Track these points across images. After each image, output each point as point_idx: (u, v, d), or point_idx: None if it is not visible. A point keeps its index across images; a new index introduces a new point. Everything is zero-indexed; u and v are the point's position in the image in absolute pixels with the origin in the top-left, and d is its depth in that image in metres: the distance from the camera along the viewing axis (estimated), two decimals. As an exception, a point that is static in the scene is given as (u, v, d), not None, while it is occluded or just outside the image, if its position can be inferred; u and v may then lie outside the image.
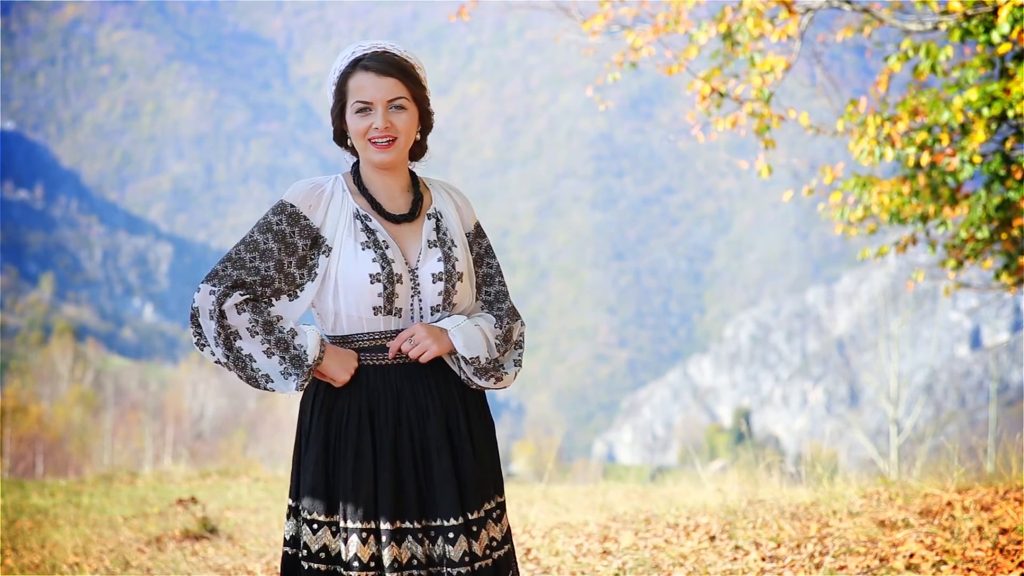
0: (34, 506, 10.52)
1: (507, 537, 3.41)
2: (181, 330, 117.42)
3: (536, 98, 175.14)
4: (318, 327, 3.37)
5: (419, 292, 3.34)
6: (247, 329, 3.23)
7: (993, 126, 8.23)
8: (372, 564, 3.22)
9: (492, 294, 3.49)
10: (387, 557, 3.21)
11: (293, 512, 3.33)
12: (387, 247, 3.30)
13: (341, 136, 3.41)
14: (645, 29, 8.70)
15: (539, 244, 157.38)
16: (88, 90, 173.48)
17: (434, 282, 3.34)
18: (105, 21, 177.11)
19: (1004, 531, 5.52)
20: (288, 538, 3.33)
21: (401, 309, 3.32)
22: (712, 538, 6.17)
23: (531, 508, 8.83)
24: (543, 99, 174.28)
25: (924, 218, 8.99)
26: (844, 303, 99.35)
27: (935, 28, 8.19)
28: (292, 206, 3.30)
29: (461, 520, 3.26)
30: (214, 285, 3.23)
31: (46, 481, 14.32)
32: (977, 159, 8.20)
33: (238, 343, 3.24)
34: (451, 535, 3.24)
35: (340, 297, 3.30)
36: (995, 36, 7.50)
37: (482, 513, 3.32)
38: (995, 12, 7.61)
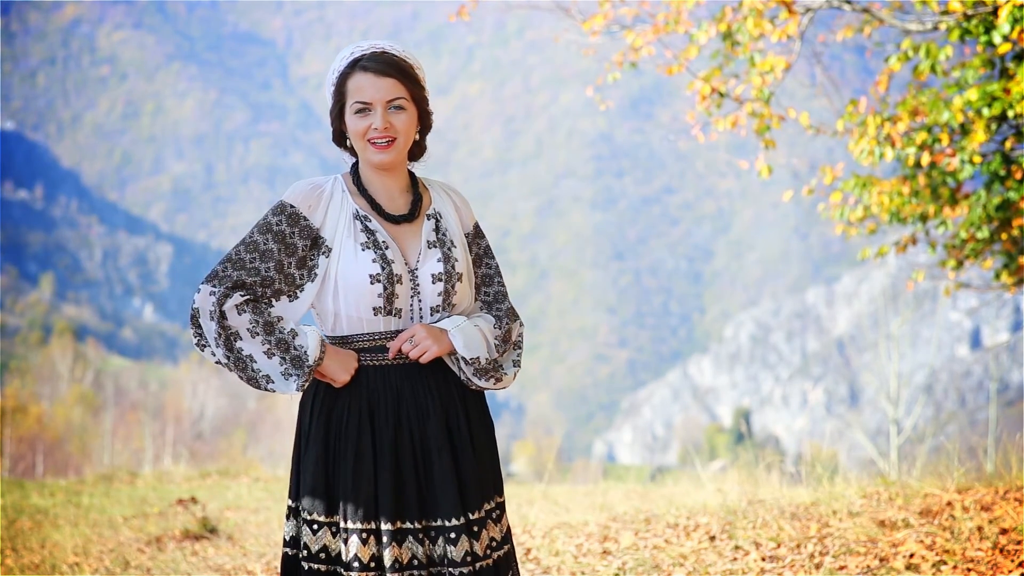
0: (34, 506, 10.52)
1: (507, 537, 3.41)
2: (181, 330, 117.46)
3: (536, 98, 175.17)
4: (318, 328, 3.37)
5: (419, 292, 3.34)
6: (248, 330, 3.23)
7: (993, 126, 8.23)
8: (372, 564, 3.22)
9: (491, 294, 3.49)
10: (388, 557, 3.21)
11: (293, 513, 3.33)
12: (387, 247, 3.30)
13: (340, 137, 3.41)
14: (645, 29, 8.70)
15: (539, 244, 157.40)
16: (88, 90, 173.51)
17: (434, 282, 3.34)
18: (105, 21, 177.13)
19: (1004, 531, 5.52)
20: (288, 539, 3.33)
21: (401, 310, 3.32)
22: (712, 538, 6.17)
23: (531, 508, 8.83)
24: (543, 99, 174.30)
25: (924, 218, 8.99)
26: (844, 303, 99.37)
27: (935, 28, 8.19)
28: (292, 207, 3.30)
29: (462, 520, 3.26)
30: (214, 286, 3.23)
31: (46, 481, 14.32)
32: (977, 159, 8.20)
33: (239, 344, 3.24)
34: (452, 535, 3.24)
35: (340, 298, 3.30)
36: (995, 36, 7.50)
37: (482, 513, 3.32)
38: (995, 12, 7.61)
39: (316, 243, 3.31)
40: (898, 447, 12.97)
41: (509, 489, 11.09)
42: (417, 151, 3.45)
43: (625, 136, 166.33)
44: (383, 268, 3.27)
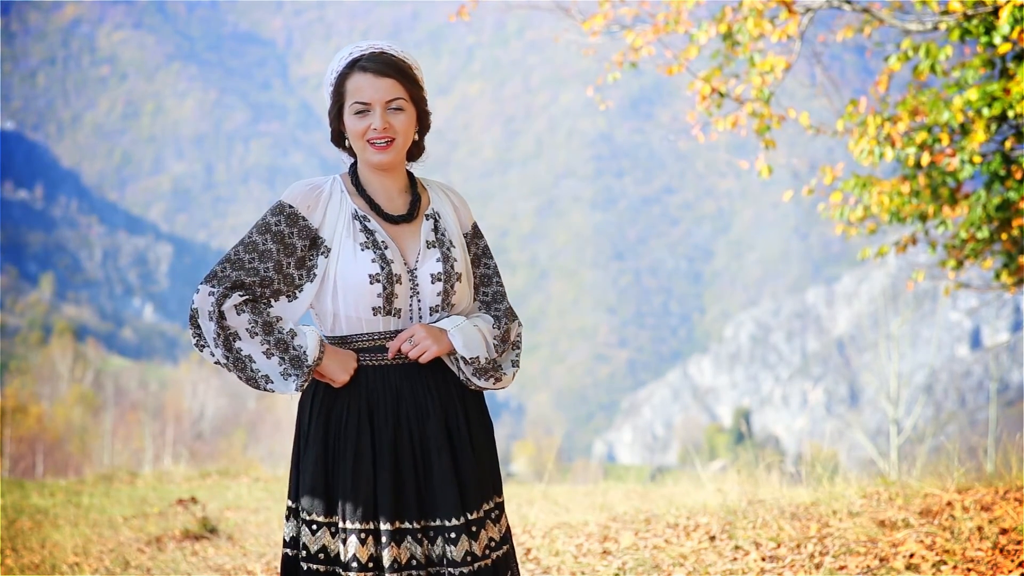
0: (34, 506, 10.52)
1: (506, 537, 3.41)
2: (181, 330, 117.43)
3: (536, 98, 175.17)
4: (317, 328, 3.37)
5: (418, 292, 3.34)
6: (246, 330, 3.23)
7: (993, 126, 8.23)
8: (371, 565, 3.22)
9: (490, 295, 3.49)
10: (387, 558, 3.21)
11: (292, 513, 3.33)
12: (386, 247, 3.30)
13: (339, 137, 3.41)
14: (645, 29, 8.70)
15: (539, 244, 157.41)
16: (88, 90, 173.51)
17: (433, 282, 3.34)
18: (105, 21, 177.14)
19: (1004, 531, 5.52)
20: (288, 539, 3.33)
21: (400, 310, 3.32)
22: (712, 538, 6.17)
23: (531, 508, 8.83)
24: (543, 99, 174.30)
25: (924, 218, 8.99)
26: (844, 303, 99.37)
27: (935, 28, 8.19)
28: (291, 207, 3.30)
29: (462, 520, 3.26)
30: (213, 286, 3.23)
31: (46, 481, 14.32)
32: (977, 159, 8.20)
33: (237, 344, 3.24)
34: (452, 535, 3.24)
35: (339, 298, 3.30)
36: (995, 36, 7.50)
37: (481, 513, 3.32)
38: (995, 12, 7.61)
39: (315, 243, 3.31)
40: (898, 447, 12.97)
41: (509, 489, 11.09)
42: (416, 151, 3.45)
43: (625, 136, 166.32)
44: (382, 268, 3.27)
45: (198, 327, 3.25)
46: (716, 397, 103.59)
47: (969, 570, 5.05)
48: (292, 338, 3.25)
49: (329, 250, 3.30)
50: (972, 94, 7.71)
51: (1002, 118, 8.11)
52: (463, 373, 3.35)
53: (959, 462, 6.78)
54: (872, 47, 9.10)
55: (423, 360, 3.30)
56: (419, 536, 3.25)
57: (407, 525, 3.25)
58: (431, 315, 3.36)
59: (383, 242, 3.31)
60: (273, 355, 3.24)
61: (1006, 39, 7.54)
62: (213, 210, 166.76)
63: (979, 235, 8.82)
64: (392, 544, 3.22)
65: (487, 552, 3.31)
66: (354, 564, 3.21)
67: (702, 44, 8.53)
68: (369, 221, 3.33)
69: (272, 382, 3.26)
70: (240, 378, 3.26)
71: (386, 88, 3.29)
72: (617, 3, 8.81)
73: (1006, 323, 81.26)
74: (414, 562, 3.24)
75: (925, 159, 8.27)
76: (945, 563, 5.15)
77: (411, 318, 3.35)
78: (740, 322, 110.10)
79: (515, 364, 3.48)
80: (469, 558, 3.25)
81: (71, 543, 7.98)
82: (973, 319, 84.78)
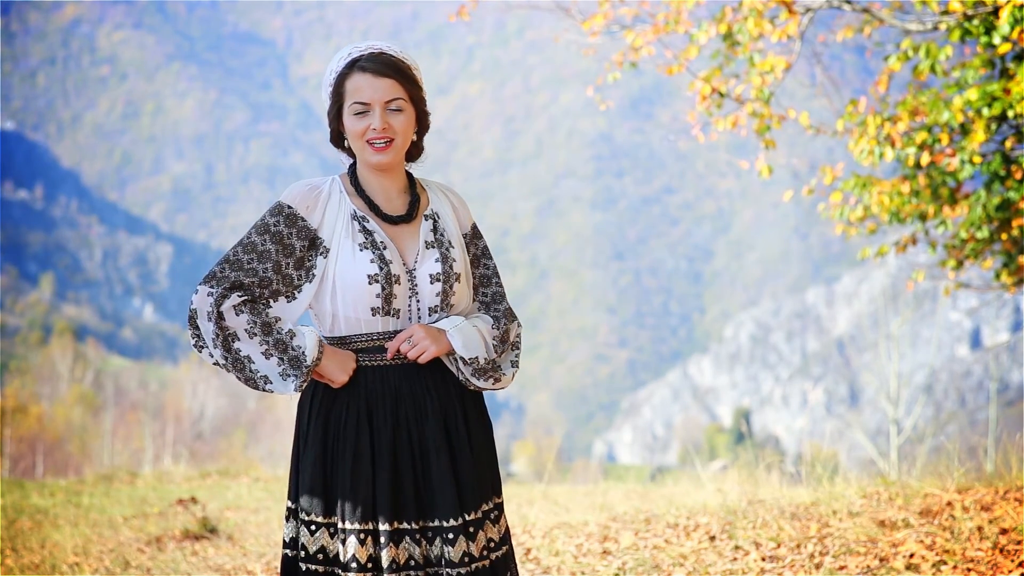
0: (34, 506, 10.52)
1: (505, 538, 3.41)
2: (181, 330, 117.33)
3: (536, 98, 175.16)
4: (316, 328, 3.37)
5: (417, 293, 3.34)
6: (245, 330, 3.23)
7: (993, 126, 8.23)
8: (370, 565, 3.22)
9: (489, 295, 3.49)
10: (385, 558, 3.21)
11: (292, 514, 3.33)
12: (385, 248, 3.30)
13: (338, 137, 3.41)
14: (645, 29, 8.70)
15: (539, 244, 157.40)
16: (88, 90, 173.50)
17: (432, 283, 3.34)
18: (105, 21, 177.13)
19: (1004, 531, 5.52)
20: (287, 540, 3.33)
21: (399, 310, 3.32)
22: (712, 538, 6.17)
23: (531, 508, 8.83)
24: (543, 99, 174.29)
25: (924, 218, 8.99)
26: (844, 303, 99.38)
27: (935, 28, 8.19)
28: (289, 207, 3.30)
29: (460, 521, 3.26)
30: (212, 287, 3.23)
31: (46, 481, 14.32)
32: (977, 159, 8.20)
33: (236, 344, 3.24)
34: (450, 536, 3.24)
35: (338, 298, 3.30)
36: (995, 36, 7.50)
37: (480, 514, 3.31)
38: (995, 12, 7.61)
39: (314, 244, 3.31)
40: (898, 447, 12.97)
41: (509, 489, 11.09)
42: (415, 152, 3.45)
43: (625, 136, 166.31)
44: (381, 268, 3.27)
45: (197, 328, 3.25)
46: (716, 397, 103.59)
47: (969, 570, 5.05)
48: (291, 338, 3.25)
49: (328, 250, 3.30)
50: (972, 94, 7.71)
51: (1002, 118, 8.11)
52: (462, 373, 3.35)
53: (959, 462, 6.78)
54: (872, 47, 9.10)
55: (422, 360, 3.30)
56: (417, 536, 3.25)
57: (406, 525, 3.25)
58: (430, 315, 3.36)
59: (382, 242, 3.30)
60: (272, 356, 3.24)
61: (1006, 39, 7.53)
62: (213, 210, 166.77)
63: (979, 235, 8.82)
64: (391, 544, 3.22)
65: (485, 553, 3.31)
66: (353, 564, 3.21)
67: (702, 44, 8.53)
68: (368, 221, 3.32)
69: (271, 382, 3.26)
70: (239, 379, 3.26)
71: (385, 88, 3.29)
72: (617, 3, 8.80)
73: (1006, 323, 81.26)
74: (412, 562, 3.24)
75: (925, 159, 8.27)
76: (945, 563, 5.15)
77: (410, 318, 3.34)
78: (740, 322, 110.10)
79: (514, 364, 3.48)
80: (467, 559, 3.24)
81: (71, 543, 7.98)
82: (973, 319, 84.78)
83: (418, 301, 3.34)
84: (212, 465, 16.97)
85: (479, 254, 3.50)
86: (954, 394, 77.30)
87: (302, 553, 3.27)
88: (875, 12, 8.57)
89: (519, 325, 3.52)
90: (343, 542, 3.23)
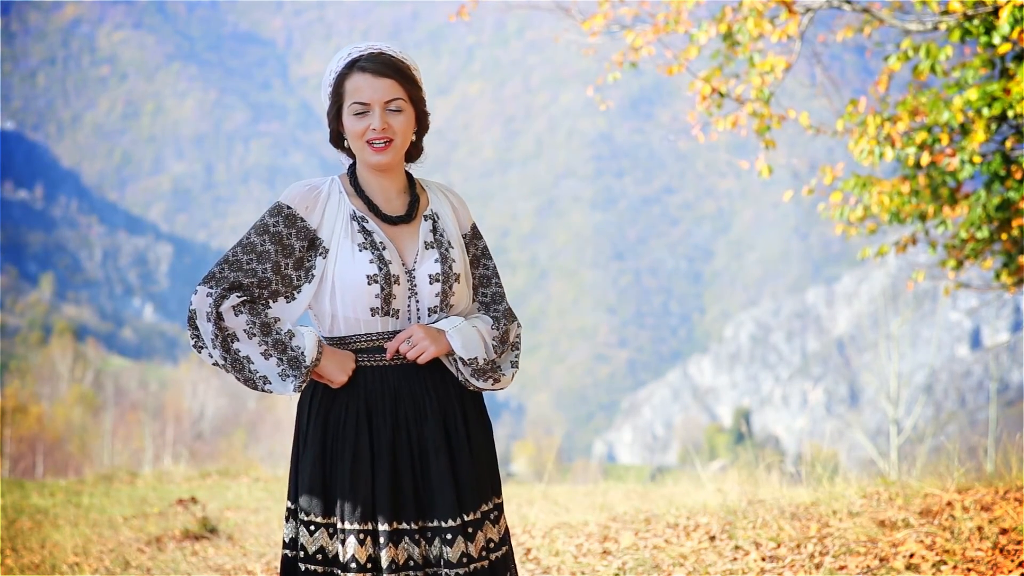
0: (34, 506, 10.52)
1: (505, 539, 3.41)
2: (181, 330, 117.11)
3: (536, 98, 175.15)
4: (315, 329, 3.37)
5: (416, 293, 3.34)
6: (244, 331, 3.23)
7: (993, 126, 8.23)
8: (369, 565, 3.22)
9: (489, 295, 3.49)
10: (385, 558, 3.21)
11: (292, 514, 3.33)
12: (384, 248, 3.30)
13: (338, 138, 3.41)
14: (645, 29, 8.70)
15: (539, 244, 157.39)
16: (88, 90, 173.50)
17: (431, 283, 3.34)
18: (105, 21, 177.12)
19: (1004, 531, 5.52)
20: (287, 540, 3.33)
21: (398, 310, 3.32)
22: (712, 538, 6.17)
23: (531, 508, 8.83)
24: (543, 99, 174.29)
25: (924, 218, 8.99)
26: (844, 303, 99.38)
27: (935, 28, 8.19)
28: (289, 208, 3.30)
29: (458, 521, 3.25)
30: (211, 287, 3.23)
31: (46, 481, 14.32)
32: (977, 159, 8.20)
33: (235, 345, 3.24)
34: (448, 536, 3.24)
35: (337, 298, 3.30)
36: (995, 36, 7.50)
37: (479, 514, 3.31)
38: (995, 12, 7.61)
39: (313, 244, 3.31)
40: (898, 447, 12.97)
41: (509, 489, 11.09)
42: (414, 152, 3.45)
43: (625, 136, 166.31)
44: (380, 269, 3.27)
45: (196, 328, 3.25)
46: (716, 397, 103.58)
47: (969, 570, 5.05)
48: (290, 339, 3.25)
49: (327, 251, 3.30)
50: (972, 94, 7.71)
51: (1002, 118, 8.11)
52: (462, 374, 3.35)
53: (959, 462, 6.78)
54: (872, 47, 9.10)
55: (421, 361, 3.30)
56: (416, 537, 3.25)
57: (405, 526, 3.25)
58: (429, 316, 3.36)
59: (381, 243, 3.30)
60: (271, 356, 3.24)
61: (1006, 39, 7.53)
62: (213, 210, 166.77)
63: (979, 235, 8.82)
64: (390, 545, 3.21)
65: (484, 553, 3.31)
66: (353, 565, 3.21)
67: (702, 44, 8.53)
68: (367, 222, 3.32)
69: (270, 383, 3.26)
70: (238, 379, 3.26)
71: (385, 88, 3.29)
72: (617, 3, 8.80)
73: (1006, 323, 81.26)
74: (412, 563, 3.24)
75: (925, 159, 8.27)
76: (945, 563, 5.15)
77: (409, 319, 3.34)
78: (740, 322, 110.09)
79: (514, 365, 3.48)
80: (465, 559, 3.24)
81: (71, 543, 7.98)
82: (973, 319, 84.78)
83: (417, 301, 3.34)
84: (212, 465, 16.97)
85: (479, 254, 3.50)
86: (954, 394, 77.30)
87: (301, 553, 3.27)
88: (875, 12, 8.57)
89: (519, 325, 3.52)
90: (342, 542, 3.23)
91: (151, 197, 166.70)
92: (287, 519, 3.34)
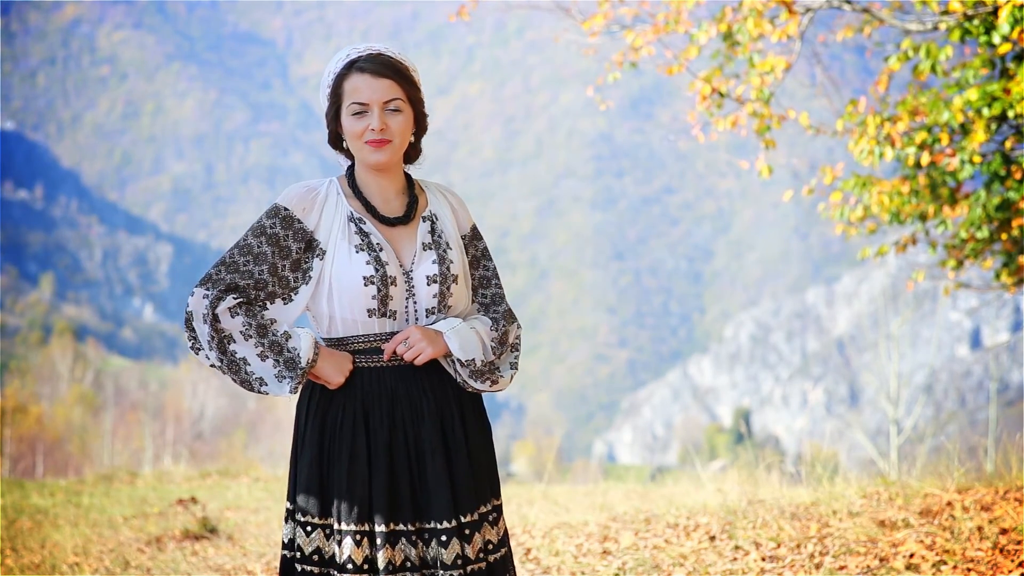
0: (34, 506, 10.52)
1: (504, 540, 3.40)
2: (181, 330, 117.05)
3: (536, 98, 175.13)
4: (313, 330, 3.37)
5: (414, 294, 3.34)
6: (241, 332, 3.24)
7: (993, 126, 8.23)
8: (365, 567, 3.22)
9: (488, 296, 3.49)
10: (381, 559, 3.21)
11: (290, 515, 3.33)
12: (381, 249, 3.30)
13: (336, 139, 3.41)
14: (645, 29, 8.70)
15: (539, 244, 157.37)
16: (88, 90, 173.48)
17: (429, 284, 3.33)
18: (105, 21, 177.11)
19: (1004, 531, 5.52)
20: (286, 541, 3.33)
21: (396, 311, 3.32)
22: (712, 538, 6.17)
23: (531, 508, 8.82)
24: (543, 99, 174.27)
25: (924, 218, 9.00)
26: (844, 303, 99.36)
27: (935, 28, 8.19)
28: (286, 209, 3.30)
29: (454, 523, 3.25)
30: (207, 289, 3.23)
31: (46, 481, 14.32)
32: (977, 159, 8.20)
33: (232, 347, 3.24)
34: (444, 538, 3.24)
35: (334, 300, 3.30)
36: (995, 36, 7.50)
37: (476, 516, 3.31)
38: (995, 12, 7.61)
39: (310, 245, 3.31)
40: (898, 447, 12.96)
41: (509, 489, 11.09)
42: (413, 153, 3.44)
43: (625, 136, 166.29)
44: (377, 270, 3.27)
45: (193, 330, 3.25)
46: (716, 397, 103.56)
47: (969, 570, 5.05)
48: (286, 340, 3.25)
49: (324, 252, 3.30)
50: (972, 94, 7.71)
51: (1002, 118, 8.12)
52: (460, 375, 3.35)
53: (959, 462, 6.78)
54: (872, 47, 9.10)
55: (418, 362, 3.29)
56: (414, 538, 3.25)
57: (402, 527, 3.24)
58: (427, 317, 3.36)
59: (378, 244, 3.30)
60: (268, 357, 3.24)
61: (1006, 39, 7.53)
62: (213, 210, 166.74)
63: (979, 235, 8.83)
64: (387, 546, 3.21)
65: (482, 555, 3.30)
66: (349, 566, 3.21)
67: (702, 44, 8.53)
68: (365, 223, 3.32)
69: (266, 384, 3.26)
70: (234, 380, 3.27)
71: (384, 89, 3.28)
72: (617, 3, 8.80)
73: (1006, 323, 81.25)
74: (409, 564, 3.23)
75: (925, 159, 8.27)
76: (945, 563, 5.15)
77: (407, 320, 3.34)
78: (740, 322, 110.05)
79: (514, 366, 3.47)
80: (460, 561, 3.24)
81: (71, 543, 7.98)
82: (973, 319, 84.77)
83: (415, 303, 3.34)
84: (212, 465, 16.98)
85: (479, 255, 3.49)
86: (954, 394, 77.29)
87: (298, 554, 3.27)
88: (875, 12, 8.57)
89: (519, 327, 3.52)
90: (339, 543, 3.23)
91: (151, 197, 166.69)
92: (286, 519, 3.34)
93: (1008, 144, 8.47)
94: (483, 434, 3.41)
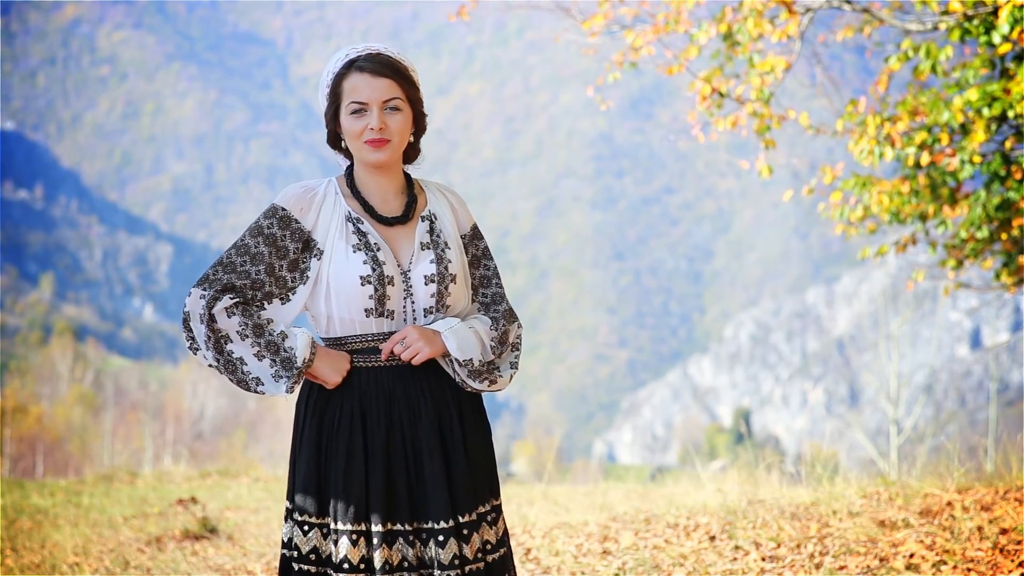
0: (34, 506, 10.52)
1: (503, 540, 3.40)
2: (180, 330, 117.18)
3: (536, 98, 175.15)
4: (312, 330, 3.37)
5: (412, 294, 3.33)
6: (237, 332, 3.24)
7: (993, 126, 8.23)
8: (362, 566, 3.22)
9: (489, 296, 3.48)
10: (378, 559, 3.20)
11: (289, 514, 3.33)
12: (378, 249, 3.30)
13: (335, 138, 3.40)
14: (645, 29, 8.70)
15: (539, 244, 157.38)
16: (88, 90, 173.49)
17: (426, 284, 3.33)
18: (105, 21, 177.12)
19: (1004, 531, 5.52)
20: (286, 540, 3.33)
21: (393, 311, 3.32)
22: (712, 538, 6.17)
23: (531, 508, 8.82)
24: (543, 99, 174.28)
25: (924, 218, 9.00)
26: (844, 303, 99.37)
27: (935, 28, 8.19)
28: (283, 209, 3.30)
29: (451, 523, 3.25)
30: (204, 289, 3.24)
31: (46, 481, 14.32)
32: (977, 159, 8.20)
33: (228, 346, 3.24)
34: (441, 538, 3.24)
35: (332, 299, 3.30)
36: (995, 36, 7.50)
37: (474, 516, 3.31)
38: (995, 12, 7.61)
39: (307, 246, 3.31)
40: (898, 447, 12.96)
41: (509, 489, 11.09)
42: (412, 154, 3.44)
43: (625, 136, 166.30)
44: (374, 270, 3.27)
45: (190, 330, 3.26)
46: (716, 397, 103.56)
47: (969, 570, 5.05)
48: (283, 340, 3.25)
49: (322, 252, 3.30)
50: (972, 94, 7.71)
51: (1002, 118, 8.12)
52: (458, 375, 3.34)
53: (959, 462, 6.78)
54: (872, 47, 9.10)
55: (415, 362, 3.29)
56: (411, 538, 3.25)
57: (399, 527, 3.24)
58: (425, 317, 3.35)
59: (375, 244, 3.30)
60: (264, 357, 3.25)
61: (1006, 39, 7.53)
62: (213, 210, 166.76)
63: (979, 235, 8.83)
64: (383, 546, 3.21)
65: (480, 555, 3.30)
66: (345, 565, 3.21)
67: (702, 44, 8.52)
68: (362, 223, 3.32)
69: (263, 384, 3.26)
70: (231, 380, 3.27)
71: (383, 88, 3.28)
72: (617, 3, 8.80)
73: (1006, 323, 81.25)
74: (406, 564, 3.23)
75: (925, 159, 8.27)
76: (945, 563, 5.15)
77: (405, 320, 3.34)
78: (740, 322, 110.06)
79: (514, 366, 3.46)
80: (457, 561, 3.24)
81: (71, 543, 7.98)
82: (973, 319, 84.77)
83: (413, 302, 3.34)
84: (212, 465, 16.98)
85: (479, 255, 3.49)
86: (954, 394, 77.29)
87: (295, 553, 3.27)
88: (875, 12, 8.57)
89: (520, 326, 3.51)
90: (335, 543, 3.23)
91: (151, 197, 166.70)
92: (286, 519, 3.34)
93: (1008, 144, 8.47)
94: (482, 434, 3.40)
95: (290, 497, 3.33)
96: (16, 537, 8.47)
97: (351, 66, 3.30)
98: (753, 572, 5.43)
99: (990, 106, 7.72)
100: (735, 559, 5.71)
